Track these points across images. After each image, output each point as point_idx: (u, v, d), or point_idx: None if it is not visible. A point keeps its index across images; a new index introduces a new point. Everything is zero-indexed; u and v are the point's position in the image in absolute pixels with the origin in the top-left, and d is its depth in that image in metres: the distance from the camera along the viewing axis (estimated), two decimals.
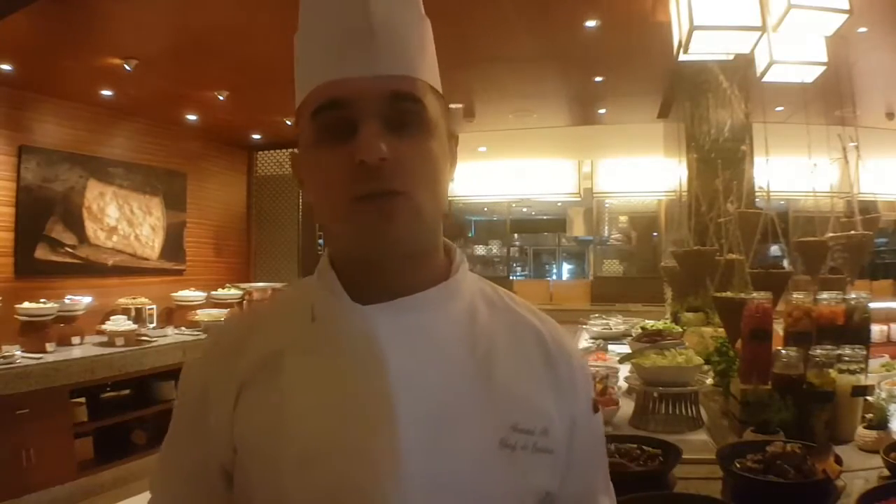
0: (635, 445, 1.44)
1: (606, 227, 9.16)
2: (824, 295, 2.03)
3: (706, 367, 2.28)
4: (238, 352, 0.73)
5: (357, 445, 0.66)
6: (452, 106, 5.92)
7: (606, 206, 9.04)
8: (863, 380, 1.74)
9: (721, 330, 2.36)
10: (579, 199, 8.86)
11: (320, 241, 8.08)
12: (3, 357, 3.87)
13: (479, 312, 0.75)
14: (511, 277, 9.66)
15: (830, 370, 1.73)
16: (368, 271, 0.71)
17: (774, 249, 3.04)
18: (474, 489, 0.67)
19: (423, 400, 0.67)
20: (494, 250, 10.77)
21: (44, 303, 4.45)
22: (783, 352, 1.80)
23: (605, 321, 4.39)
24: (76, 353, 4.40)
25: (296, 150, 0.76)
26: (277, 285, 6.72)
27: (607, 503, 0.84)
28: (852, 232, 2.37)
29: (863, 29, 3.84)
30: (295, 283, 0.84)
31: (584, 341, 3.85)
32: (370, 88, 0.66)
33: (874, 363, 2.28)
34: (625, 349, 3.14)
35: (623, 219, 9.10)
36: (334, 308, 0.72)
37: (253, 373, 0.72)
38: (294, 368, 0.70)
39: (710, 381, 2.33)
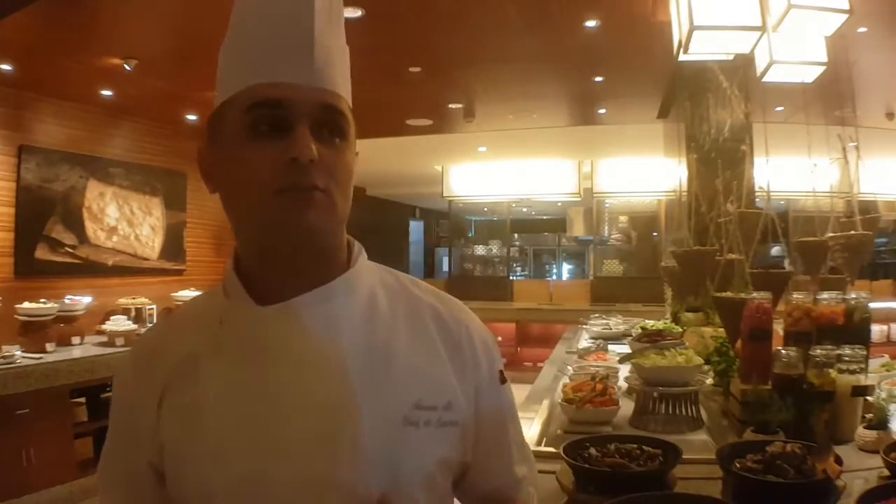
0: (635, 445, 1.44)
1: (606, 227, 9.17)
2: (824, 295, 2.03)
3: (706, 367, 2.28)
4: (156, 359, 0.80)
5: (265, 438, 0.72)
6: (452, 106, 5.92)
7: (606, 206, 9.06)
8: (863, 380, 1.74)
9: (721, 330, 2.37)
10: (579, 199, 8.87)
11: None
12: (3, 357, 3.87)
13: (379, 299, 0.81)
14: (511, 277, 9.67)
15: (830, 370, 1.73)
16: (276, 268, 0.77)
17: (774, 249, 3.05)
18: (382, 467, 0.73)
19: (322, 390, 0.73)
20: (494, 250, 10.78)
21: (44, 303, 4.45)
22: (783, 352, 1.80)
23: (605, 321, 4.39)
24: (76, 353, 4.41)
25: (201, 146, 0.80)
26: None
27: (524, 471, 0.90)
28: (852, 232, 2.37)
29: (863, 29, 3.84)
30: (207, 291, 0.89)
31: (585, 341, 3.85)
32: (307, 96, 0.73)
33: (874, 363, 2.28)
34: (625, 349, 3.14)
35: (623, 219, 9.11)
36: (239, 311, 0.78)
37: (171, 377, 0.77)
38: (206, 371, 0.76)
39: (709, 381, 2.33)
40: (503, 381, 0.87)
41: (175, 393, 0.77)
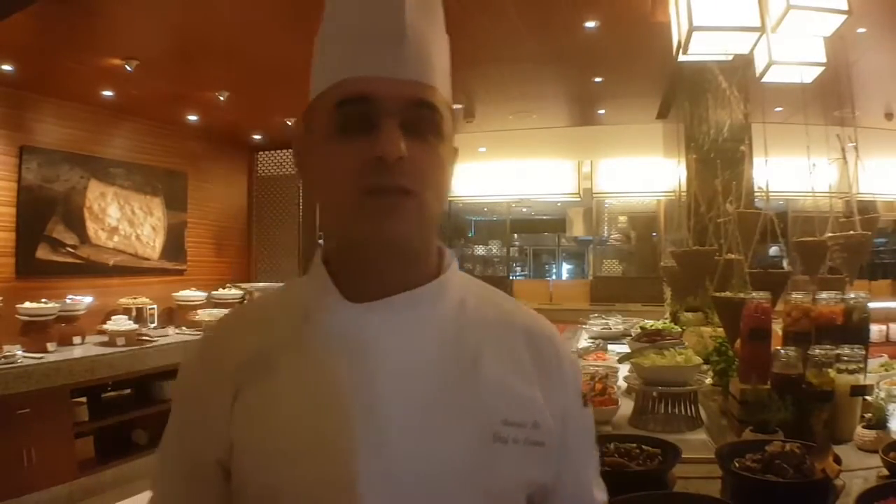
0: (635, 445, 1.44)
1: (606, 227, 9.16)
2: (823, 295, 2.03)
3: (705, 367, 2.29)
4: (231, 351, 0.75)
5: (345, 441, 0.68)
6: (452, 106, 5.93)
7: (606, 206, 9.05)
8: (861, 379, 1.75)
9: (720, 330, 2.37)
10: (579, 199, 8.86)
11: (320, 241, 8.08)
12: (5, 357, 3.88)
13: (468, 310, 0.78)
14: (511, 277, 9.66)
15: (829, 370, 1.74)
16: (364, 268, 0.73)
17: (774, 249, 3.05)
18: (465, 483, 0.69)
19: (411, 397, 0.69)
20: (494, 250, 10.77)
21: (45, 303, 4.45)
22: (782, 351, 1.81)
23: (604, 321, 4.39)
24: (77, 352, 4.41)
25: (305, 138, 0.77)
26: (278, 285, 6.71)
27: (600, 495, 0.86)
28: (851, 232, 2.38)
29: (862, 29, 3.84)
30: (287, 282, 0.86)
31: (584, 341, 3.85)
32: (397, 90, 0.69)
33: (873, 363, 2.29)
34: (624, 349, 3.14)
35: (622, 219, 9.10)
36: (326, 307, 0.74)
37: (247, 372, 0.73)
38: (286, 368, 0.72)
39: (709, 380, 2.33)
40: (586, 403, 0.83)
41: (250, 388, 0.72)
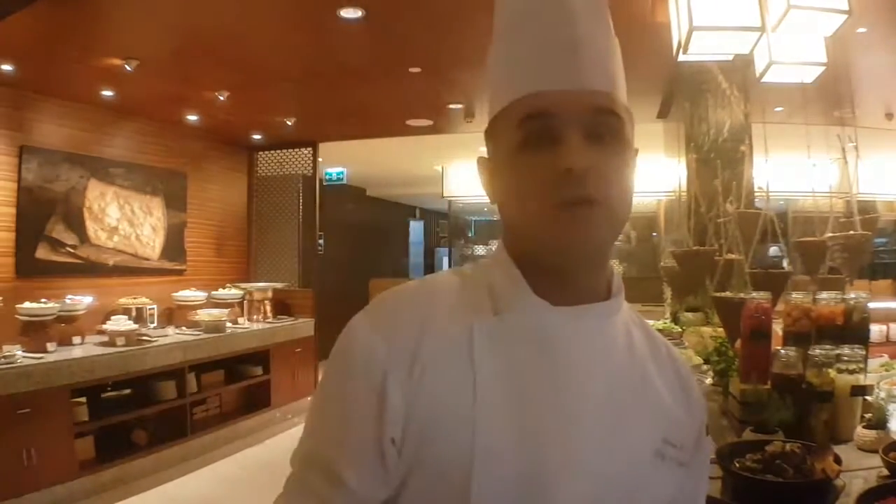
0: None
1: None
2: (823, 295, 2.04)
3: (705, 367, 2.29)
4: (419, 328, 0.72)
5: (540, 441, 0.69)
6: (452, 106, 5.92)
7: None
8: (862, 379, 1.75)
9: (720, 330, 2.37)
10: None
11: (320, 241, 8.07)
12: (5, 357, 3.88)
13: (632, 328, 0.81)
14: None
15: (829, 370, 1.74)
16: (549, 274, 0.74)
17: (774, 249, 3.05)
18: (629, 493, 0.72)
19: (597, 404, 0.72)
20: (494, 250, 10.78)
21: (45, 303, 4.45)
22: (782, 351, 1.81)
23: None
24: (77, 352, 4.41)
25: (483, 156, 0.80)
26: (278, 285, 6.72)
27: None
28: (851, 232, 2.38)
29: (862, 29, 3.84)
30: (467, 267, 0.83)
31: None
32: (575, 101, 0.71)
33: (873, 363, 2.29)
34: None
35: None
36: (523, 305, 0.74)
37: (436, 354, 0.71)
38: (481, 358, 0.71)
39: (709, 380, 2.33)
40: (708, 431, 0.86)
41: (439, 373, 0.70)
